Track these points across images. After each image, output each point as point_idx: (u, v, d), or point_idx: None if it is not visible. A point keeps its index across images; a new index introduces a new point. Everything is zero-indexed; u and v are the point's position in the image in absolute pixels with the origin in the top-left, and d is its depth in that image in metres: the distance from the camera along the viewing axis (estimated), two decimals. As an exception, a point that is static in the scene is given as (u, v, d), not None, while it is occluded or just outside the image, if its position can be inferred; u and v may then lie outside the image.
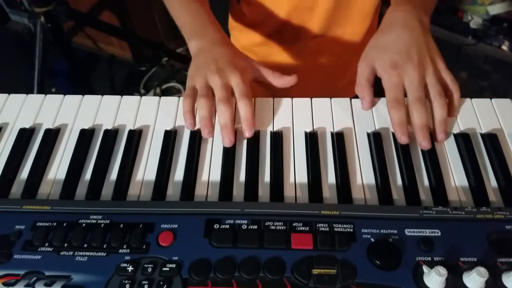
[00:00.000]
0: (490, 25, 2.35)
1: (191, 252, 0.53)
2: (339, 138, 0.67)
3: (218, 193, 0.62)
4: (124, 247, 0.54)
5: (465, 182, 0.62)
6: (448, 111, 0.67)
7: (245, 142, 0.67)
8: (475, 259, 0.51)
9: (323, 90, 1.17)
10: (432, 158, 0.64)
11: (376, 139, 0.66)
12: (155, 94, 2.36)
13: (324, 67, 1.12)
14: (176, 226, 0.55)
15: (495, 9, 2.30)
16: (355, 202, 0.60)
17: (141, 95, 0.71)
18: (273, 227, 0.55)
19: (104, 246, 0.54)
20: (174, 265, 0.52)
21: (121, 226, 0.55)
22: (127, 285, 0.50)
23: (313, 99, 0.73)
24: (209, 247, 0.53)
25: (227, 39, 0.77)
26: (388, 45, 0.70)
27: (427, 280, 0.49)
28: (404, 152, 0.64)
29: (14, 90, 0.77)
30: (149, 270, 0.51)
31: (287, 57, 1.10)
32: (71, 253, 0.53)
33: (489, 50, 2.40)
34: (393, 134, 0.67)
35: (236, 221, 0.55)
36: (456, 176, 0.63)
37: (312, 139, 0.67)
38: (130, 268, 0.51)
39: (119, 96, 0.74)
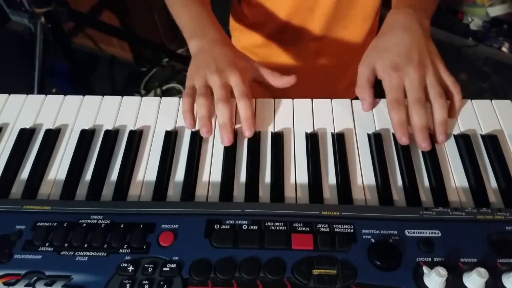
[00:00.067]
0: (490, 26, 2.35)
1: (192, 252, 0.53)
2: (339, 139, 0.67)
3: (219, 194, 0.62)
4: (125, 247, 0.54)
5: (465, 183, 0.62)
6: (448, 113, 0.67)
7: (245, 142, 0.67)
8: (475, 260, 0.51)
9: (323, 91, 1.17)
10: (433, 159, 0.64)
11: (376, 140, 0.66)
12: (155, 95, 2.36)
13: (325, 68, 1.12)
14: (176, 226, 0.55)
15: (495, 11, 2.31)
16: (356, 202, 0.60)
17: (141, 95, 0.71)
18: (273, 228, 0.55)
19: (105, 246, 0.54)
20: (174, 265, 0.52)
21: (122, 226, 0.55)
22: (127, 285, 0.50)
23: (313, 100, 0.73)
24: (210, 247, 0.53)
25: (227, 40, 0.77)
26: (388, 47, 0.70)
27: (427, 280, 0.49)
28: (405, 153, 0.65)
29: (14, 90, 0.77)
30: (150, 270, 0.51)
31: (287, 58, 1.10)
32: (71, 253, 0.53)
33: (489, 51, 2.40)
34: (394, 135, 0.67)
35: (237, 222, 0.55)
36: (456, 177, 0.63)
37: (312, 139, 0.67)
38: (130, 268, 0.51)
39: (120, 97, 0.74)
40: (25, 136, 0.69)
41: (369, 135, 0.68)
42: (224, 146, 0.66)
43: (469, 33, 2.42)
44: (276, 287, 0.50)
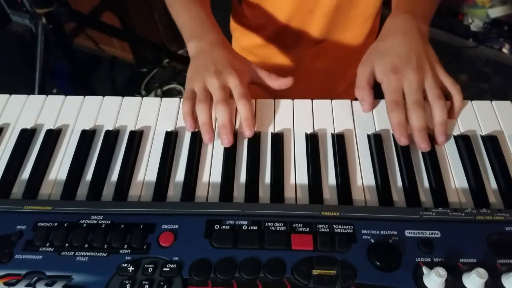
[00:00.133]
0: (491, 28, 2.36)
1: (192, 252, 0.53)
2: (339, 140, 0.67)
3: (219, 194, 0.62)
4: (125, 247, 0.54)
5: (465, 184, 0.62)
6: (448, 114, 0.67)
7: (245, 143, 0.68)
8: (475, 260, 0.51)
9: (323, 92, 1.17)
10: (432, 159, 0.64)
11: (376, 141, 0.66)
12: (156, 96, 2.36)
13: (324, 70, 1.13)
14: (176, 226, 0.55)
15: (496, 12, 2.31)
16: (355, 203, 0.61)
17: (142, 96, 0.71)
18: (273, 228, 0.55)
19: (105, 246, 0.54)
20: (174, 266, 0.52)
21: (122, 226, 0.55)
22: (127, 285, 0.50)
23: (313, 100, 0.73)
24: (210, 248, 0.53)
25: (226, 41, 0.77)
26: (388, 50, 0.71)
27: (426, 281, 0.49)
28: (405, 153, 0.65)
29: (15, 90, 0.77)
30: (150, 270, 0.51)
31: (287, 59, 1.10)
32: (72, 253, 0.53)
33: (490, 53, 2.40)
34: (394, 136, 0.67)
35: (237, 222, 0.55)
36: (456, 178, 0.63)
37: (312, 140, 0.67)
38: (130, 268, 0.52)
39: (120, 97, 0.75)
40: (26, 137, 0.69)
41: (369, 136, 0.68)
42: (224, 147, 0.66)
43: (469, 34, 2.42)
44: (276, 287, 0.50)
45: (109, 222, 0.56)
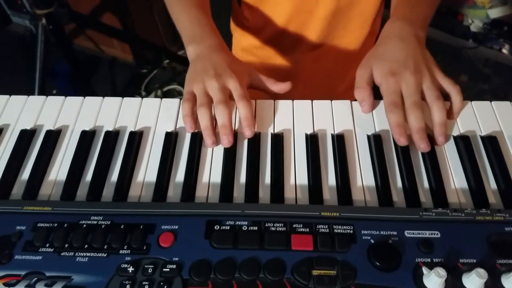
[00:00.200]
0: (491, 28, 2.36)
1: (192, 253, 0.53)
2: (339, 140, 0.67)
3: (219, 195, 0.62)
4: (125, 247, 0.54)
5: (464, 184, 0.62)
6: (448, 114, 0.67)
7: (245, 143, 0.68)
8: (475, 261, 0.52)
9: (322, 93, 1.17)
10: (432, 160, 0.64)
11: (376, 141, 0.66)
12: (156, 96, 2.36)
13: (324, 72, 1.13)
14: (176, 227, 0.55)
15: (496, 13, 2.31)
16: (355, 203, 0.61)
17: (142, 97, 0.71)
18: (273, 228, 0.55)
19: (105, 247, 0.54)
20: (174, 266, 0.52)
21: (122, 227, 0.55)
22: (127, 286, 0.50)
23: (313, 101, 0.73)
24: (210, 248, 0.53)
25: (225, 46, 0.77)
26: (386, 54, 0.72)
27: (426, 281, 0.49)
28: (404, 154, 0.65)
29: (15, 91, 0.77)
30: (150, 270, 0.51)
31: (287, 60, 1.10)
32: (71, 253, 0.53)
33: (490, 53, 2.40)
34: (393, 137, 0.67)
35: (237, 222, 0.55)
36: (456, 178, 0.63)
37: (312, 141, 0.67)
38: (130, 269, 0.52)
39: (120, 98, 0.75)
40: (25, 137, 0.69)
41: (368, 137, 0.68)
42: (224, 147, 0.66)
43: (469, 35, 2.42)
44: (275, 288, 0.50)
45: (109, 222, 0.56)
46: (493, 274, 0.50)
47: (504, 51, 2.36)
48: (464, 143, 0.66)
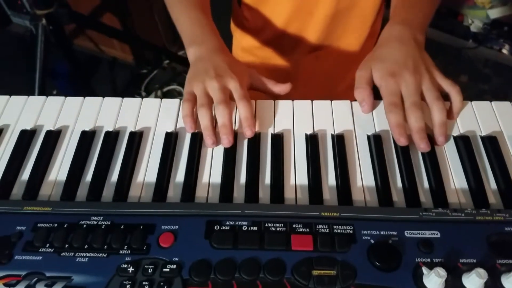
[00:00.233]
0: (491, 28, 2.36)
1: (192, 253, 0.53)
2: (339, 140, 0.67)
3: (219, 195, 0.62)
4: (125, 248, 0.54)
5: (464, 184, 0.63)
6: (448, 115, 0.67)
7: (245, 144, 0.68)
8: (475, 261, 0.52)
9: (322, 93, 1.18)
10: (432, 160, 0.64)
11: (376, 141, 0.66)
12: (156, 97, 2.36)
13: (324, 73, 1.13)
14: (176, 227, 0.55)
15: (496, 13, 2.31)
16: (355, 204, 0.61)
17: (142, 97, 0.71)
18: (273, 229, 0.55)
19: (105, 247, 0.54)
20: (174, 266, 0.52)
21: (122, 227, 0.55)
22: (127, 286, 0.50)
23: (313, 101, 0.73)
24: (210, 248, 0.53)
25: (225, 48, 0.77)
26: (385, 56, 0.72)
27: (426, 281, 0.49)
28: (404, 154, 0.65)
29: (15, 92, 0.77)
30: (150, 271, 0.51)
31: (287, 61, 1.10)
32: (72, 254, 0.53)
33: (490, 53, 2.40)
34: (393, 137, 0.67)
35: (237, 223, 0.55)
36: (456, 178, 0.63)
37: (312, 141, 0.67)
38: (130, 269, 0.52)
39: (120, 98, 0.75)
40: (25, 138, 0.69)
41: (368, 137, 0.68)
42: (224, 147, 0.66)
43: (469, 35, 2.42)
44: (275, 288, 0.50)
45: (109, 223, 0.56)
46: (493, 274, 0.50)
47: (504, 51, 2.36)
48: (464, 143, 0.66)
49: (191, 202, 0.61)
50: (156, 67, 2.49)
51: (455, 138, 0.68)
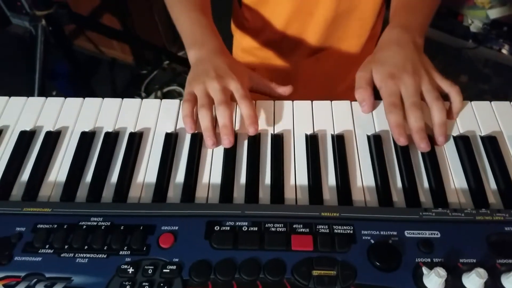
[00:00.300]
0: (490, 28, 2.36)
1: (192, 253, 0.53)
2: (339, 141, 0.67)
3: (219, 195, 0.62)
4: (125, 248, 0.54)
5: (464, 184, 0.62)
6: (448, 115, 0.68)
7: (245, 144, 0.68)
8: (475, 261, 0.52)
9: (322, 94, 1.18)
10: (432, 160, 0.64)
11: (376, 142, 0.67)
12: (156, 97, 2.35)
13: (324, 74, 1.13)
14: (176, 228, 0.55)
15: (495, 13, 2.31)
16: (355, 204, 0.61)
17: (142, 98, 0.71)
18: (273, 229, 0.55)
19: (105, 248, 0.54)
20: (174, 267, 0.52)
21: (122, 228, 0.55)
22: (127, 287, 0.50)
23: (313, 101, 0.73)
24: (210, 249, 0.53)
25: (225, 48, 0.78)
26: (385, 59, 0.72)
27: (426, 281, 0.49)
28: (404, 154, 0.65)
29: (15, 93, 0.77)
30: (150, 271, 0.51)
31: (287, 61, 1.10)
32: (71, 255, 0.53)
33: (489, 53, 2.40)
34: (393, 137, 0.67)
35: (237, 223, 0.55)
36: (455, 178, 0.63)
37: (312, 141, 0.67)
38: (130, 270, 0.52)
39: (120, 99, 0.75)
40: (25, 138, 0.69)
41: (368, 137, 0.68)
42: (224, 148, 0.66)
43: (469, 35, 2.42)
44: (276, 288, 0.50)
45: (109, 223, 0.56)
46: (493, 274, 0.50)
47: (504, 51, 2.37)
48: (464, 143, 0.66)
49: (191, 203, 0.61)
50: (156, 68, 2.49)
51: (455, 138, 0.68)
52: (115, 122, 0.72)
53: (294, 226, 0.55)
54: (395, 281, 0.50)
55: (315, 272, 0.51)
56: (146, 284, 0.50)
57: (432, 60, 0.73)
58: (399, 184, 0.63)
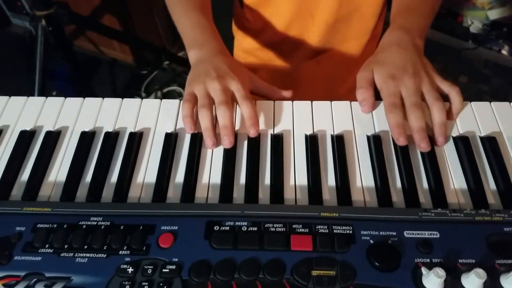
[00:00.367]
0: (490, 29, 2.36)
1: (191, 253, 0.53)
2: (339, 141, 0.67)
3: (219, 195, 0.62)
4: (125, 248, 0.54)
5: (464, 185, 0.63)
6: (448, 115, 0.68)
7: (245, 144, 0.68)
8: (474, 261, 0.52)
9: (323, 97, 1.17)
10: (432, 160, 0.64)
11: (376, 142, 0.67)
12: (156, 98, 2.35)
13: (325, 76, 1.13)
14: (176, 227, 0.55)
15: (495, 14, 2.31)
16: (355, 204, 0.61)
17: (142, 98, 0.71)
18: (273, 229, 0.55)
19: (105, 248, 0.54)
20: (174, 267, 0.52)
21: (122, 227, 0.56)
22: (127, 286, 0.50)
23: (313, 102, 0.73)
24: (209, 249, 0.53)
25: (226, 49, 0.78)
26: (385, 60, 0.73)
27: (426, 281, 0.49)
28: (404, 154, 0.65)
29: (15, 92, 0.77)
30: (149, 271, 0.51)
31: (288, 62, 1.10)
32: (71, 254, 0.53)
33: (489, 54, 2.40)
34: (393, 137, 0.67)
35: (236, 223, 0.55)
36: (455, 179, 0.63)
37: (312, 141, 0.67)
38: (130, 270, 0.52)
39: (120, 99, 0.75)
40: (25, 138, 0.69)
41: (368, 137, 0.68)
42: (224, 148, 0.66)
43: (469, 36, 2.42)
44: (275, 288, 0.50)
45: (108, 223, 0.56)
46: (492, 274, 0.50)
47: (504, 52, 2.37)
48: (463, 144, 0.66)
49: (191, 203, 0.61)
50: (156, 68, 2.48)
51: (454, 138, 0.68)
52: (115, 122, 0.72)
53: (294, 226, 0.55)
54: (395, 281, 0.50)
55: (314, 272, 0.51)
56: (146, 284, 0.51)
57: (432, 61, 0.74)
58: (398, 184, 0.63)
